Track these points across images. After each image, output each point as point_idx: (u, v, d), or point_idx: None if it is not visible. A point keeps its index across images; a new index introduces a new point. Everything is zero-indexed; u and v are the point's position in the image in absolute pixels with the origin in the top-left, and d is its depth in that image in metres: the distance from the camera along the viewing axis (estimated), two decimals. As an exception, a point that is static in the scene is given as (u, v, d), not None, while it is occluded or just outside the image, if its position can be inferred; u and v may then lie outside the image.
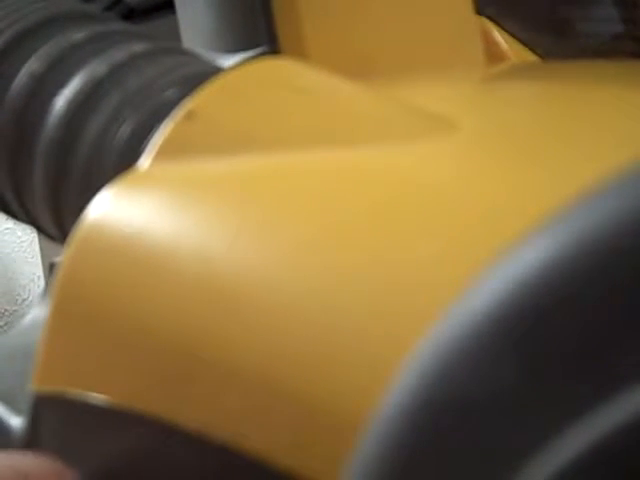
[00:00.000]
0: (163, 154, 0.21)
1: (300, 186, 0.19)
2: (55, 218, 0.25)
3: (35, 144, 0.24)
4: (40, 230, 0.27)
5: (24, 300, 1.23)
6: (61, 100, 0.24)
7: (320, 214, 0.18)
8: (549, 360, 0.10)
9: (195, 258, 0.18)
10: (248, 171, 0.20)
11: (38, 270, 1.22)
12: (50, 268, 0.34)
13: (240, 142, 0.21)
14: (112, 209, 0.20)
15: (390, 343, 0.14)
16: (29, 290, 1.23)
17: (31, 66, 0.24)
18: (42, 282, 1.22)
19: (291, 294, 0.16)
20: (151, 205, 0.20)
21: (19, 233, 1.23)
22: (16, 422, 0.23)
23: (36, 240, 1.22)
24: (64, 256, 0.21)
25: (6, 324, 1.23)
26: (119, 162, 0.23)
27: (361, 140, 0.20)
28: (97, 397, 0.19)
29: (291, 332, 0.16)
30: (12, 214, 0.27)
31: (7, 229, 1.23)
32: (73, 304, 0.20)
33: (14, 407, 0.24)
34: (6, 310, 1.24)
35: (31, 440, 0.22)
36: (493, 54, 0.30)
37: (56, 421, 0.21)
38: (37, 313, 0.33)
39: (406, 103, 0.23)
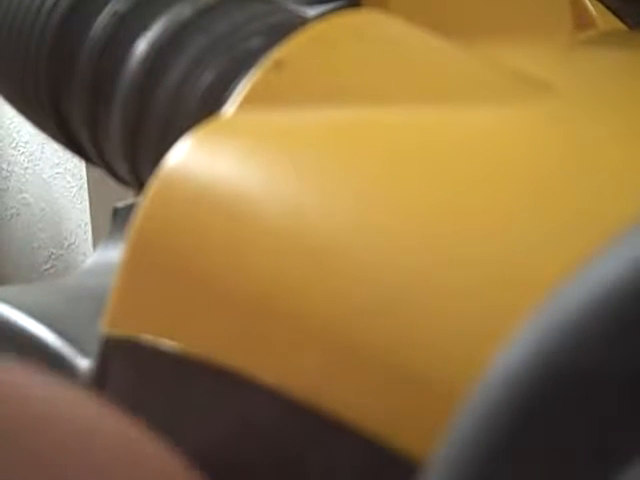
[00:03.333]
0: (249, 102, 0.20)
1: (393, 142, 0.18)
2: (130, 162, 0.24)
3: (115, 86, 0.24)
4: (110, 171, 0.27)
5: (70, 244, 1.24)
6: (143, 42, 0.24)
7: (416, 173, 0.17)
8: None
9: (283, 211, 0.18)
10: (337, 123, 0.19)
11: (86, 216, 1.23)
12: (114, 213, 0.33)
13: (328, 94, 0.20)
14: (193, 156, 0.20)
15: (491, 313, 0.14)
16: (76, 235, 1.24)
17: (115, 5, 0.24)
18: (89, 228, 1.22)
19: (388, 253, 0.16)
20: (234, 154, 0.20)
21: (69, 178, 1.24)
22: (83, 363, 0.23)
23: (85, 186, 1.23)
24: (141, 202, 0.20)
25: (52, 267, 1.25)
26: (200, 109, 0.22)
27: (455, 98, 0.20)
28: (170, 344, 0.19)
29: (386, 293, 0.15)
30: (83, 152, 0.27)
31: (57, 173, 1.24)
32: (149, 250, 0.20)
33: (80, 348, 0.24)
34: (52, 253, 1.25)
35: (98, 382, 0.21)
36: (581, 20, 0.29)
37: (125, 366, 0.21)
38: (100, 256, 0.32)
39: (497, 63, 0.22)
